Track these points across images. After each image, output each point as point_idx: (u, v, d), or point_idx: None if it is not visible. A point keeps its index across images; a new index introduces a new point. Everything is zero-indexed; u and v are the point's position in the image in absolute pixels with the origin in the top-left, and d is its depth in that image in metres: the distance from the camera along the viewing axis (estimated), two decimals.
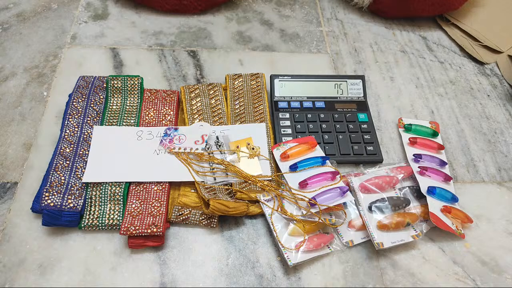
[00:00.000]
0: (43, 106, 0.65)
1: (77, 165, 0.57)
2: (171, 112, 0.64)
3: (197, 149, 0.59)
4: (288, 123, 0.65)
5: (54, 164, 0.56)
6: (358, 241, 0.55)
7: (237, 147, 0.60)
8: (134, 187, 0.56)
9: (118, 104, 0.64)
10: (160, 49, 0.75)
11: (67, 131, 0.59)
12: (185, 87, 0.67)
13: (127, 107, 0.64)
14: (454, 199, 0.58)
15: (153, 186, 0.56)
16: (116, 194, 0.54)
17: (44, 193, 0.53)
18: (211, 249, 0.54)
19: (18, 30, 0.75)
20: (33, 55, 0.72)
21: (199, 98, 0.65)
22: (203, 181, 0.56)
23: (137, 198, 0.55)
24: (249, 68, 0.74)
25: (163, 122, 0.63)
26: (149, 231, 0.51)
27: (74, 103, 0.62)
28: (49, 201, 0.52)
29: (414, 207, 0.57)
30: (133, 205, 0.54)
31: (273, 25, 0.82)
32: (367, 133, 0.65)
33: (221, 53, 0.76)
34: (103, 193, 0.54)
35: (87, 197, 0.54)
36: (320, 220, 0.53)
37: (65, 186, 0.54)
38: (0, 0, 0.80)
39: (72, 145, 0.58)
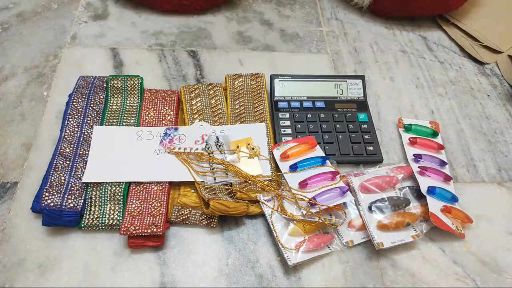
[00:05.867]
0: (43, 106, 0.65)
1: (77, 165, 0.57)
2: (171, 112, 0.64)
3: (197, 149, 0.59)
4: (288, 123, 0.65)
5: (54, 164, 0.56)
6: (358, 241, 0.55)
7: (237, 147, 0.60)
8: (134, 187, 0.56)
9: (118, 104, 0.64)
10: (160, 49, 0.75)
11: (67, 131, 0.59)
12: (185, 87, 0.67)
13: (127, 107, 0.64)
14: (454, 199, 0.58)
15: (153, 186, 0.56)
16: (116, 194, 0.54)
17: (44, 193, 0.53)
18: (211, 249, 0.54)
19: (18, 30, 0.75)
20: (33, 55, 0.72)
21: (199, 98, 0.65)
22: (203, 181, 0.56)
23: (137, 198, 0.55)
24: (249, 68, 0.74)
25: (163, 122, 0.63)
26: (149, 231, 0.51)
27: (74, 103, 0.62)
28: (49, 201, 0.52)
29: (414, 207, 0.57)
30: (133, 205, 0.54)
31: (273, 25, 0.82)
32: (367, 133, 0.65)
33: (221, 53, 0.76)
34: (103, 193, 0.54)
35: (87, 197, 0.54)
36: (320, 220, 0.53)
37: (65, 186, 0.54)
38: (0, 0, 0.80)
39: (72, 145, 0.58)
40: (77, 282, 0.50)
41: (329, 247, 0.54)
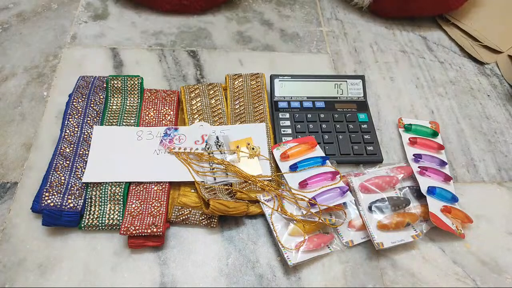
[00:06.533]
0: (43, 106, 0.65)
1: (77, 165, 0.57)
2: (171, 112, 0.64)
3: (197, 149, 0.59)
4: (288, 123, 0.65)
5: (54, 164, 0.56)
6: (358, 241, 0.55)
7: (237, 147, 0.60)
8: (134, 187, 0.56)
9: (118, 104, 0.64)
10: (160, 49, 0.75)
11: (67, 131, 0.59)
12: (185, 87, 0.67)
13: (127, 107, 0.64)
14: (454, 199, 0.58)
15: (153, 186, 0.56)
16: (116, 194, 0.54)
17: (44, 193, 0.53)
18: (211, 249, 0.54)
19: (18, 30, 0.75)
20: (33, 55, 0.72)
21: (199, 98, 0.65)
22: (203, 181, 0.56)
23: (137, 198, 0.55)
24: (249, 68, 0.74)
25: (163, 122, 0.63)
26: (149, 231, 0.51)
27: (74, 103, 0.62)
28: (49, 201, 0.52)
29: (414, 207, 0.57)
30: (133, 205, 0.54)
31: (273, 25, 0.82)
32: (367, 133, 0.65)
33: (221, 53, 0.76)
34: (103, 193, 0.54)
35: (87, 197, 0.54)
36: (320, 220, 0.53)
37: (65, 186, 0.54)
38: (0, 0, 0.80)
39: (72, 145, 0.58)
40: (77, 282, 0.50)
41: (329, 247, 0.54)
